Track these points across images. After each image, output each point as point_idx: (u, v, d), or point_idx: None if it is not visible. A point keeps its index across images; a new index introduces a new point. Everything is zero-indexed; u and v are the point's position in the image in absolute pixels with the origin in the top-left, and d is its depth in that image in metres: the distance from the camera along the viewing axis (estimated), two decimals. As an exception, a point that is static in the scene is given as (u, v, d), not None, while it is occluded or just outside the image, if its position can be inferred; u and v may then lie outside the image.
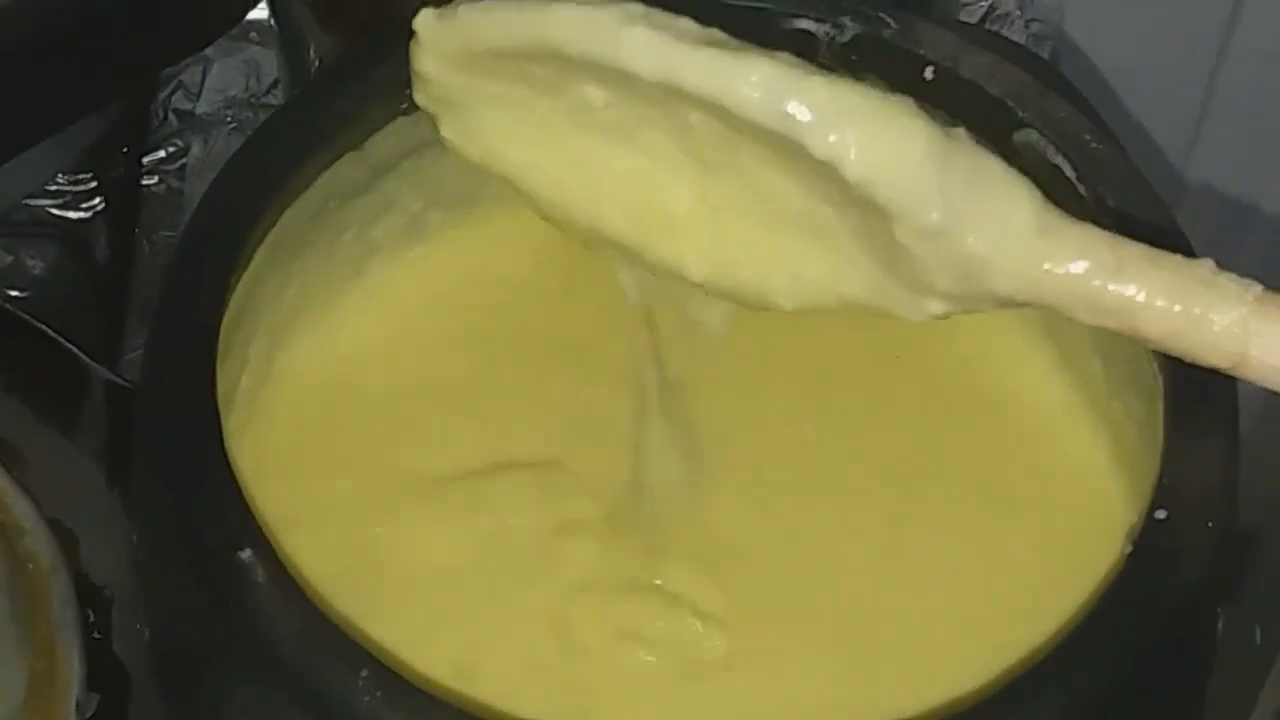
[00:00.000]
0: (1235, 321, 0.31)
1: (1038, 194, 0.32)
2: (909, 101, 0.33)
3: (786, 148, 0.33)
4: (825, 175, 0.33)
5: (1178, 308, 0.31)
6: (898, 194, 0.32)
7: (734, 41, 0.34)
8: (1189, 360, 0.32)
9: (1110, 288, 0.32)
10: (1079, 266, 0.32)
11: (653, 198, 0.37)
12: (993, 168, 0.32)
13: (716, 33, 0.34)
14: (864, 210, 0.33)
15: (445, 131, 0.39)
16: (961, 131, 0.33)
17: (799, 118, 0.32)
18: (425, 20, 0.37)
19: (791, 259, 0.36)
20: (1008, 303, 0.33)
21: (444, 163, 0.42)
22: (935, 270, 0.33)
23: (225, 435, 0.35)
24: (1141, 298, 0.31)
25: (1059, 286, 0.32)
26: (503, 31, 0.35)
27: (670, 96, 0.34)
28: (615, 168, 0.37)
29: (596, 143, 0.37)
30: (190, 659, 0.35)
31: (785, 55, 0.33)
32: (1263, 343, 0.31)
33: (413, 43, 0.37)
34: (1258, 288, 0.31)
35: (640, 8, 0.34)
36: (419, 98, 0.39)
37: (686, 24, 0.33)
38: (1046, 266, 0.32)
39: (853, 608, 0.38)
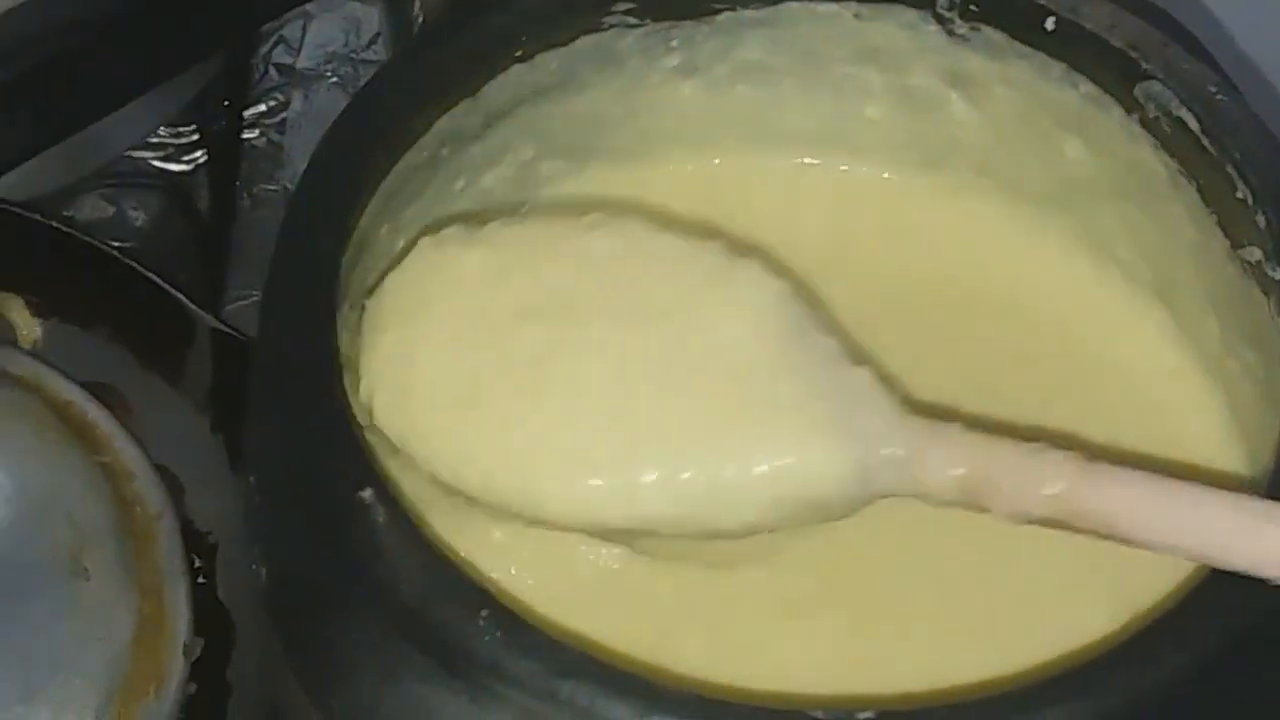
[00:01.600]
0: (1061, 489, 0.34)
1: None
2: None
3: None
4: None
5: (1012, 488, 0.34)
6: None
7: None
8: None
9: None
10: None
11: None
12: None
13: None
14: None
15: None
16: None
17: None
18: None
19: None
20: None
21: (558, 111, 0.42)
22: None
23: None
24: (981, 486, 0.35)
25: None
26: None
27: None
28: None
29: None
30: (308, 600, 0.35)
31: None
32: (1082, 504, 0.34)
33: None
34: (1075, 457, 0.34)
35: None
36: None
37: None
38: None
39: (950, 567, 0.38)
